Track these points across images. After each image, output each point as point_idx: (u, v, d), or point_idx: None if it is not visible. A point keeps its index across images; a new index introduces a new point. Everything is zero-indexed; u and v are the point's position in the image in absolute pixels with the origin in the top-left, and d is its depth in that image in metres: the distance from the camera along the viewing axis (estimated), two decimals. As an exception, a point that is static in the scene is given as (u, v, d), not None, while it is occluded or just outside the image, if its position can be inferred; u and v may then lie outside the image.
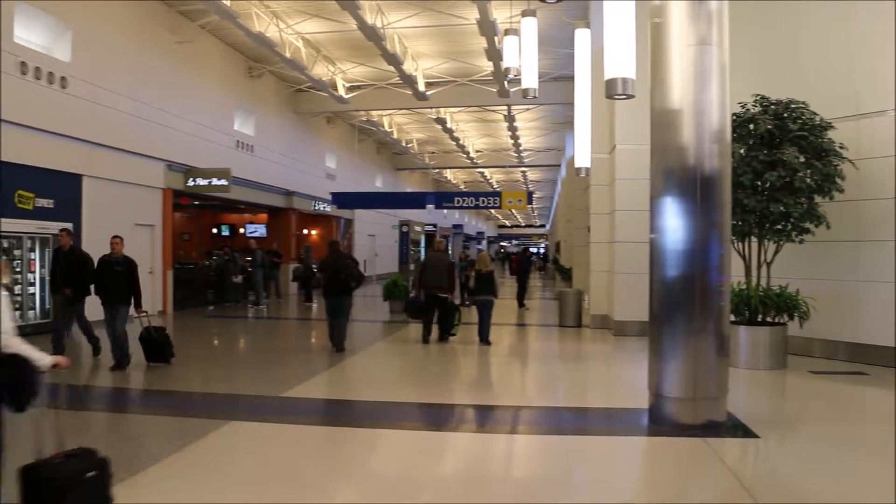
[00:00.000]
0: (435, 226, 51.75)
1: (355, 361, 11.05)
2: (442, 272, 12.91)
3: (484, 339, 12.73)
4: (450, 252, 25.37)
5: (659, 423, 6.81)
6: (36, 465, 3.69)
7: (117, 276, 10.11)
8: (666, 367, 6.77)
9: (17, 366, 3.70)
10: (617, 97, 7.32)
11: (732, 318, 9.97)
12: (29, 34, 13.71)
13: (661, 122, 6.85)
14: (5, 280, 4.03)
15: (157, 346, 10.30)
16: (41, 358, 3.79)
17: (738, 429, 6.73)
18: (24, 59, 13.20)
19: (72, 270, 10.56)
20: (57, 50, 14.32)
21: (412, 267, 20.09)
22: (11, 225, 12.89)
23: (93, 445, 4.15)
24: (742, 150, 10.22)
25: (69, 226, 11.01)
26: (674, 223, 6.69)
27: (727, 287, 6.83)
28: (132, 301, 10.25)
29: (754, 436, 6.54)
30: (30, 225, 13.37)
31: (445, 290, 12.87)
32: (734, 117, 10.05)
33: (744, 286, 10.55)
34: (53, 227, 13.85)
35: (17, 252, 13.15)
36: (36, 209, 13.56)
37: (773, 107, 10.40)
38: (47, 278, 13.64)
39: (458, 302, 13.14)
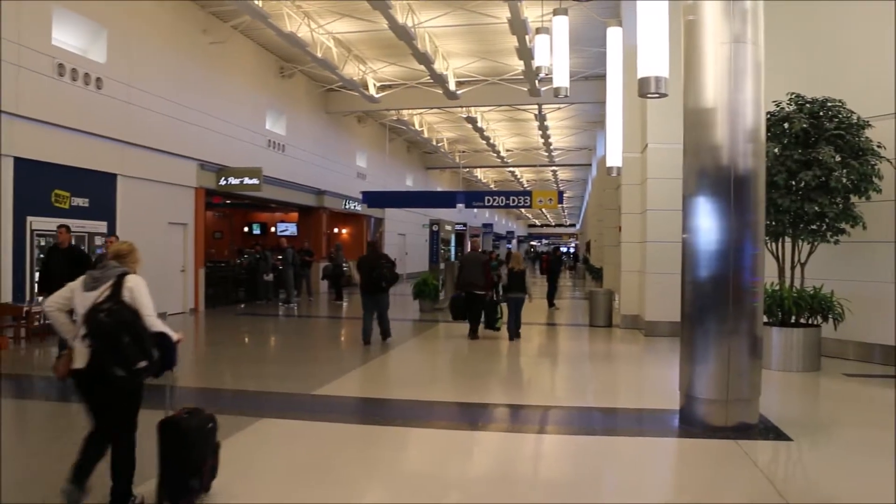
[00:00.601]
0: (465, 225, 51.74)
1: (385, 360, 11.11)
2: (477, 270, 13.42)
3: (513, 334, 13.26)
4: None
5: (690, 424, 6.76)
6: (170, 419, 4.73)
7: None
8: (698, 369, 6.72)
9: (164, 341, 4.63)
10: (650, 96, 7.30)
11: (765, 319, 9.86)
12: (66, 36, 13.95)
13: (694, 121, 6.80)
14: (138, 267, 4.88)
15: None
16: (173, 334, 4.71)
17: (770, 431, 6.65)
18: (61, 60, 13.44)
19: (71, 269, 10.45)
20: (93, 51, 14.56)
21: (442, 266, 20.11)
22: (48, 223, 13.10)
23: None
24: (776, 150, 10.08)
25: (68, 223, 10.97)
26: (707, 223, 6.64)
27: (760, 288, 6.76)
28: None
29: (787, 439, 6.47)
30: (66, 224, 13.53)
31: (481, 288, 13.35)
32: (769, 116, 9.92)
33: (777, 287, 10.42)
34: (89, 225, 14.11)
35: (53, 250, 13.31)
36: (72, 208, 13.81)
37: (808, 105, 10.25)
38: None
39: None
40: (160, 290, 16.17)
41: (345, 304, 20.93)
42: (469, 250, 14.15)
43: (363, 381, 9.70)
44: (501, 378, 10.26)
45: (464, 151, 39.22)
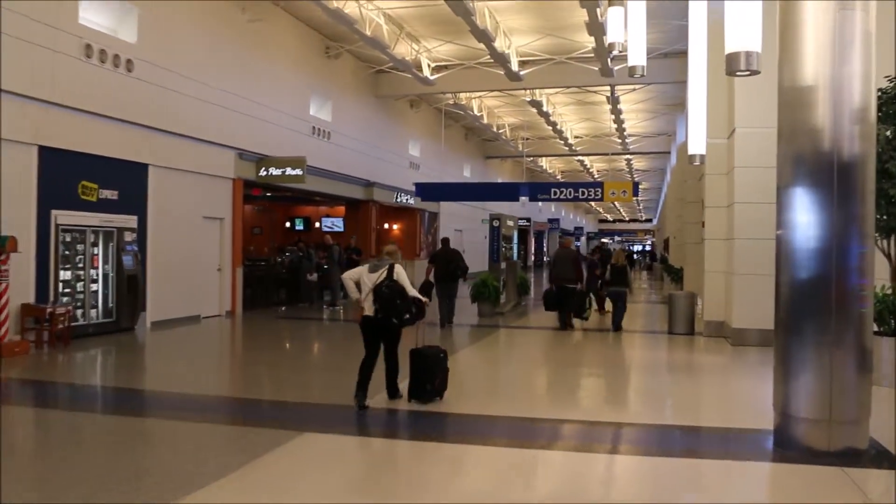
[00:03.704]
0: (529, 220, 51.76)
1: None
2: (569, 265, 16.15)
3: (617, 325, 15.83)
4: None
5: (786, 447, 6.60)
6: (418, 349, 8.69)
7: None
8: (795, 384, 6.56)
9: (419, 303, 8.48)
10: (739, 74, 7.10)
11: (875, 328, 9.54)
12: (93, 14, 14.24)
13: (791, 101, 6.63)
14: (399, 260, 8.66)
15: None
16: (423, 299, 8.60)
17: (883, 458, 6.44)
18: (88, 40, 13.71)
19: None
20: (123, 31, 14.84)
21: (503, 266, 20.08)
22: (74, 217, 13.40)
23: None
24: (889, 132, 9.77)
25: (97, 216, 11.17)
26: (805, 217, 6.50)
27: (869, 291, 6.58)
28: None
29: (902, 467, 6.26)
30: (93, 218, 13.88)
31: (573, 281, 15.98)
32: (880, 93, 9.58)
33: (889, 291, 10.10)
34: (118, 220, 14.37)
35: (79, 247, 13.65)
36: (99, 201, 14.09)
37: (925, 82, 9.91)
38: (112, 274, 14.19)
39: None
40: (193, 291, 16.57)
41: None
42: (560, 247, 17.19)
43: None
44: (568, 391, 10.19)
45: (527, 139, 39.07)
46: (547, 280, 18.26)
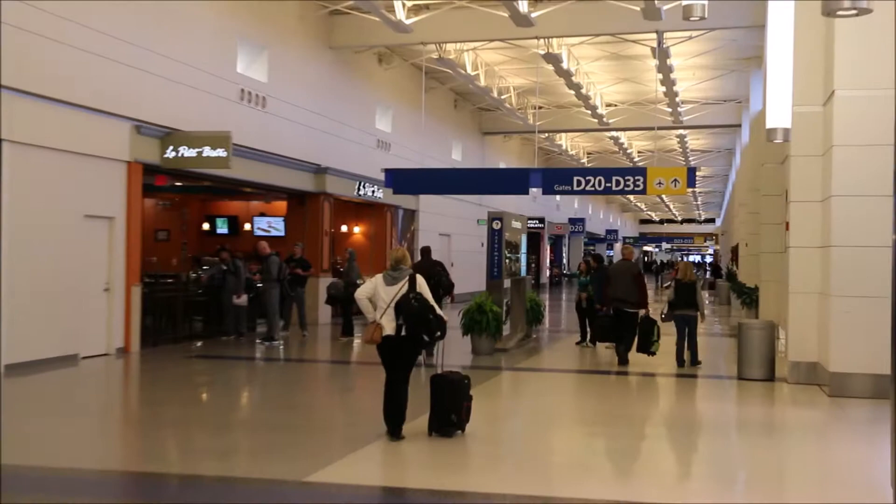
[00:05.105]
0: (542, 221, 51.60)
1: (418, 428, 10.79)
2: (630, 283, 16.78)
3: (692, 360, 16.64)
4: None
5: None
6: (440, 375, 10.30)
7: None
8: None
9: (441, 320, 9.99)
10: (841, 13, 7.11)
11: None
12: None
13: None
14: (407, 265, 10.26)
15: None
16: (445, 315, 10.15)
17: None
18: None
19: None
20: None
21: (507, 284, 19.92)
22: None
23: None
24: None
25: None
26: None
27: None
28: None
29: None
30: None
31: (634, 305, 16.72)
32: None
33: None
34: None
35: None
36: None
37: None
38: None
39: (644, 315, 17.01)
40: (68, 321, 16.36)
41: (356, 340, 20.97)
42: (621, 259, 17.96)
43: (388, 462, 9.78)
44: (602, 457, 10.29)
45: (541, 108, 38.78)
46: (596, 299, 18.94)
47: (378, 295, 9.93)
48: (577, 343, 20.69)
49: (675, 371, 16.69)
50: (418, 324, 9.66)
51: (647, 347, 16.61)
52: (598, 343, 19.76)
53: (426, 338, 9.85)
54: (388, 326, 9.82)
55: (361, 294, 10.10)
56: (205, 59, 20.66)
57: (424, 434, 10.13)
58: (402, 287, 9.84)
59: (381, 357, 10.12)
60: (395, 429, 9.90)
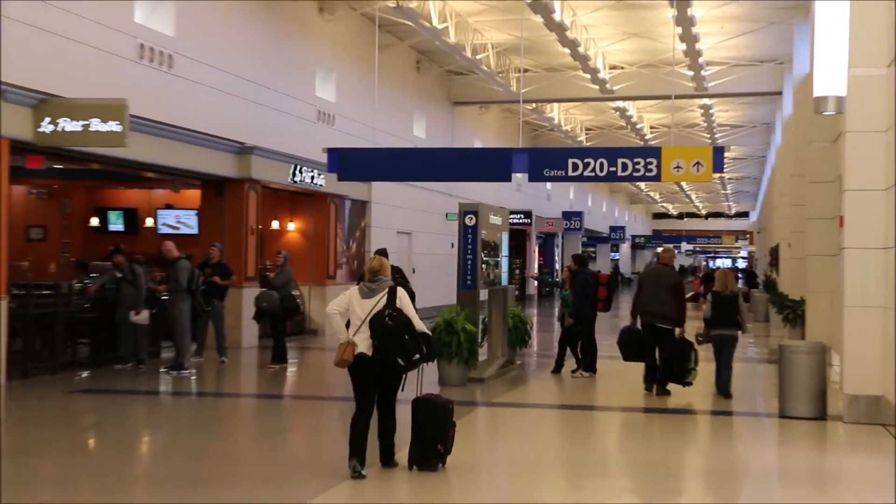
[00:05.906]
0: (529, 214, 51.72)
1: (375, 485, 11.04)
2: (664, 293, 17.12)
3: (723, 390, 17.00)
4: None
5: None
6: (422, 398, 11.37)
7: None
8: None
9: (427, 340, 10.90)
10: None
11: None
12: None
13: None
14: (386, 276, 11.10)
15: None
16: (429, 332, 11.30)
17: None
18: None
19: None
20: None
21: (483, 297, 19.65)
22: None
23: None
24: None
25: None
26: None
27: None
28: None
29: None
30: None
31: (669, 320, 16.97)
32: None
33: None
34: None
35: None
36: None
37: None
38: None
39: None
40: None
41: (289, 368, 21.12)
42: (656, 264, 18.63)
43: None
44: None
45: (527, 71, 39.57)
46: (572, 311, 19.62)
47: (353, 310, 10.57)
48: (573, 372, 20.44)
49: (696, 406, 17.04)
50: (390, 345, 10.22)
51: (683, 377, 16.81)
52: (588, 371, 20.11)
53: (401, 362, 10.31)
54: (363, 345, 10.42)
55: (333, 310, 10.66)
56: (92, 3, 20.11)
57: (401, 469, 10.96)
58: (381, 300, 10.49)
59: (353, 380, 10.72)
60: (362, 461, 10.49)
